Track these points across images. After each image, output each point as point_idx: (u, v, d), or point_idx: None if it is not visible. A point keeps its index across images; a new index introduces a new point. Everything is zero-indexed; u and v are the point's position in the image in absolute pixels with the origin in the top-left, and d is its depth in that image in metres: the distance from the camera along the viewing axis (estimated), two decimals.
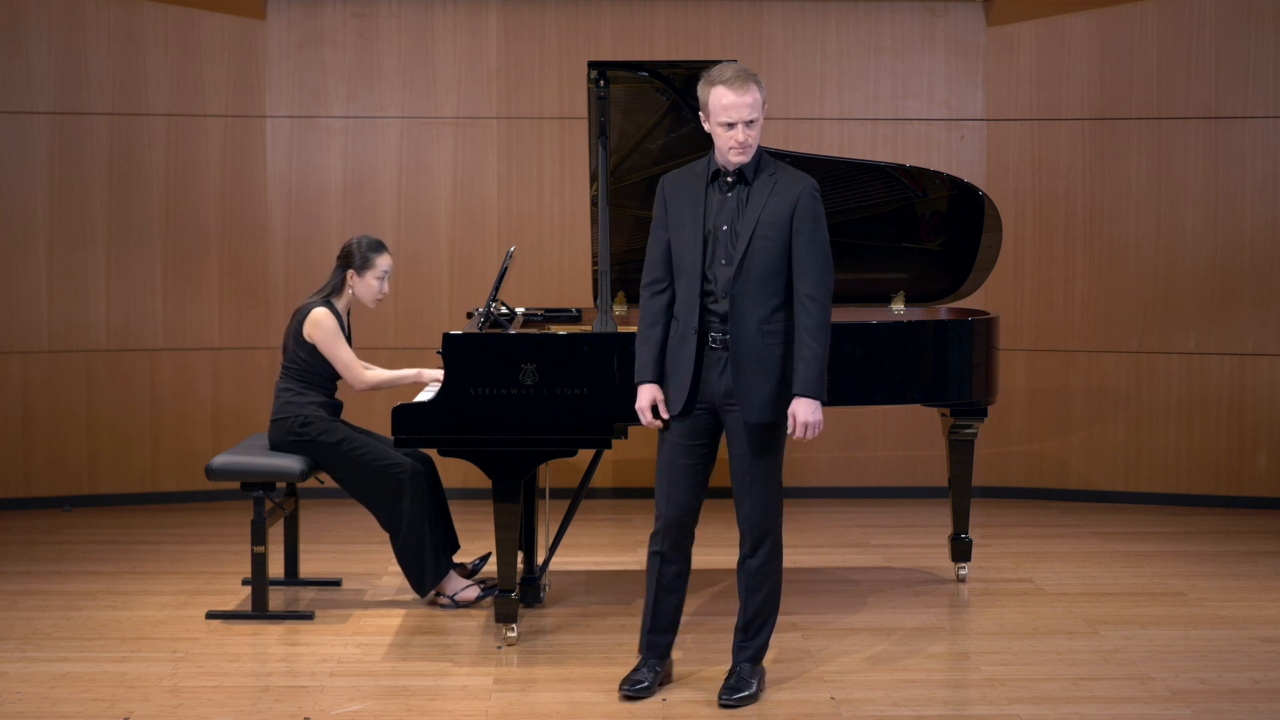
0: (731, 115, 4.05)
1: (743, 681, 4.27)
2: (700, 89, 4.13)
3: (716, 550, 5.88)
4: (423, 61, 7.23)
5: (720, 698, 4.23)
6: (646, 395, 4.20)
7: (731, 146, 4.08)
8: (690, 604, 5.03)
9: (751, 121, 4.06)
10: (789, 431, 4.14)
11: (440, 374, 5.13)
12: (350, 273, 5.28)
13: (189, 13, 7.05)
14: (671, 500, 4.23)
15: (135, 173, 7.07)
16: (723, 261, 4.12)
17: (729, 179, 4.15)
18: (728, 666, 4.36)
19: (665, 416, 4.20)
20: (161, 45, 7.05)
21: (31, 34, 6.92)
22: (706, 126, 4.15)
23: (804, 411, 4.09)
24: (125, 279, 7.07)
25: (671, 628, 4.36)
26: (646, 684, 4.28)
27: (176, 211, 7.13)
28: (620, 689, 4.27)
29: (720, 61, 4.17)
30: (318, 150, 7.24)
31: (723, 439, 4.28)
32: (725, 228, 4.12)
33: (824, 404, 4.12)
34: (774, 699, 4.26)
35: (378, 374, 5.30)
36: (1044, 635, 4.94)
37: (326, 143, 7.24)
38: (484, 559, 5.51)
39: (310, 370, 5.22)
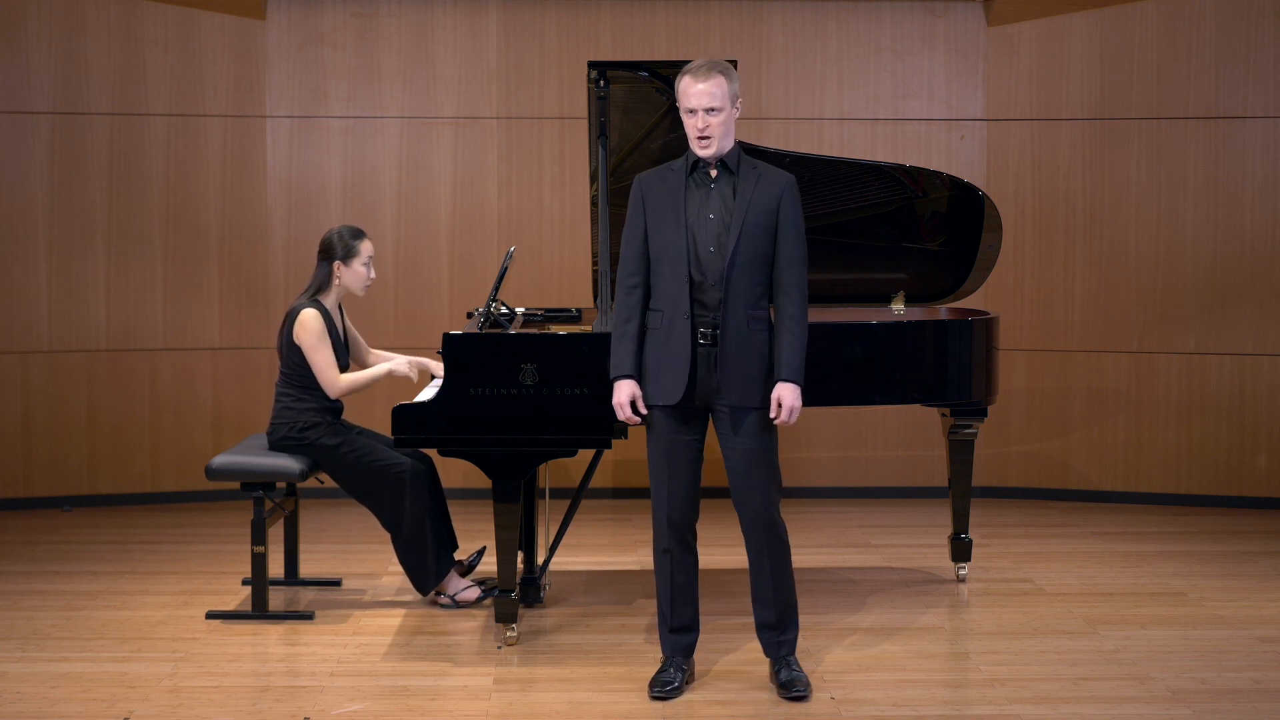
0: (691, 101, 4.14)
1: (797, 674, 4.28)
2: (675, 82, 4.23)
3: (717, 550, 5.88)
4: (423, 61, 7.23)
5: (783, 693, 4.23)
6: (626, 390, 4.22)
7: (695, 135, 4.15)
8: None
9: (713, 109, 4.12)
10: (771, 415, 4.17)
11: (407, 363, 5.17)
12: (336, 264, 5.24)
13: (189, 13, 7.05)
14: (671, 497, 4.24)
15: (135, 173, 7.07)
16: (711, 249, 4.15)
17: (712, 170, 4.18)
18: (729, 666, 4.35)
19: (644, 412, 4.22)
20: (161, 45, 7.04)
21: (31, 34, 6.91)
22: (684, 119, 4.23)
23: (789, 395, 4.15)
24: (125, 279, 7.07)
25: (693, 625, 4.36)
26: (676, 684, 4.28)
27: (176, 211, 7.13)
28: (650, 690, 4.26)
29: None
30: (318, 150, 7.24)
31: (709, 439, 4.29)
32: (712, 216, 4.16)
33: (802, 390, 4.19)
34: (774, 699, 4.26)
35: (349, 378, 5.21)
36: (1044, 635, 4.94)
37: (326, 143, 7.23)
38: (479, 553, 5.51)
39: (307, 374, 5.19)
